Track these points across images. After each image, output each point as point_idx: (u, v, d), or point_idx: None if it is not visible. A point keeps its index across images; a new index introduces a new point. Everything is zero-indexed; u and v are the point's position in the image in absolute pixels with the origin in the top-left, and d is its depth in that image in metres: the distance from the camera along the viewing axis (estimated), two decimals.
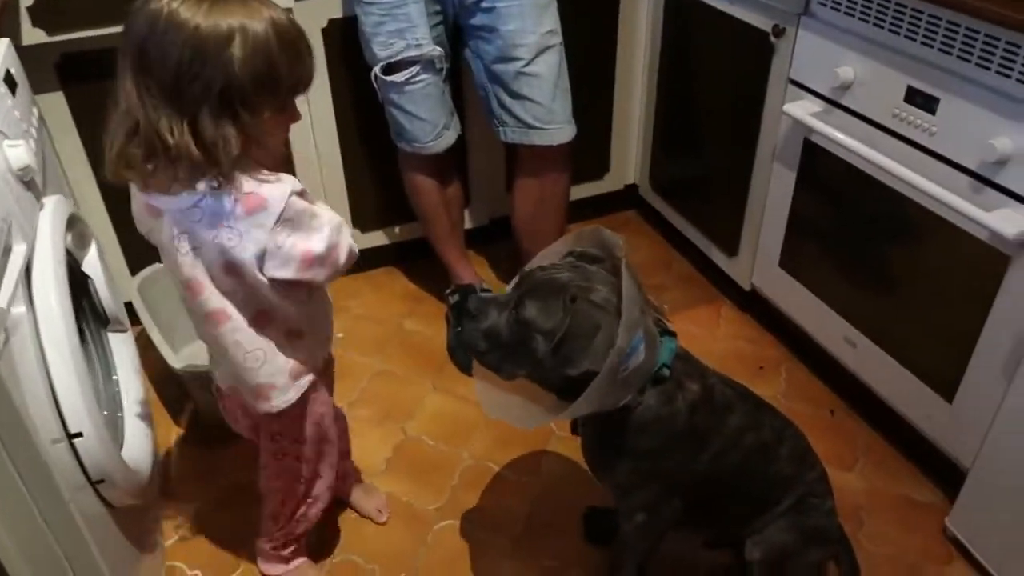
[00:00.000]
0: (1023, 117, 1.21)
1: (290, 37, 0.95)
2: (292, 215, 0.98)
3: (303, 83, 0.99)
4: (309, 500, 1.33)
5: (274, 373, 1.12)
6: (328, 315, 1.22)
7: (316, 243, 1.01)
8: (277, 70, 0.93)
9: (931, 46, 1.33)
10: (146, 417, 1.34)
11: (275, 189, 0.97)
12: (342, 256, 1.06)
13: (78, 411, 1.01)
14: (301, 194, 1.00)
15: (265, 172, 0.99)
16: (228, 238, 0.98)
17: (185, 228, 1.00)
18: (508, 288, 1.14)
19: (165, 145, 0.91)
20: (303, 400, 1.18)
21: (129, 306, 1.58)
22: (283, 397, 1.15)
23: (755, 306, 2.02)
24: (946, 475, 1.54)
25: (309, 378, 1.17)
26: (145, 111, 0.91)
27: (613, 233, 1.12)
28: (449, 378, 1.86)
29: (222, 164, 0.93)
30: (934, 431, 1.50)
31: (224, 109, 0.92)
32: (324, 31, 1.82)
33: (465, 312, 1.13)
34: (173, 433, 1.74)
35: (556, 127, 1.73)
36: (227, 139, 0.92)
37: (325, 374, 1.25)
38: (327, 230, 1.02)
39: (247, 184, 0.96)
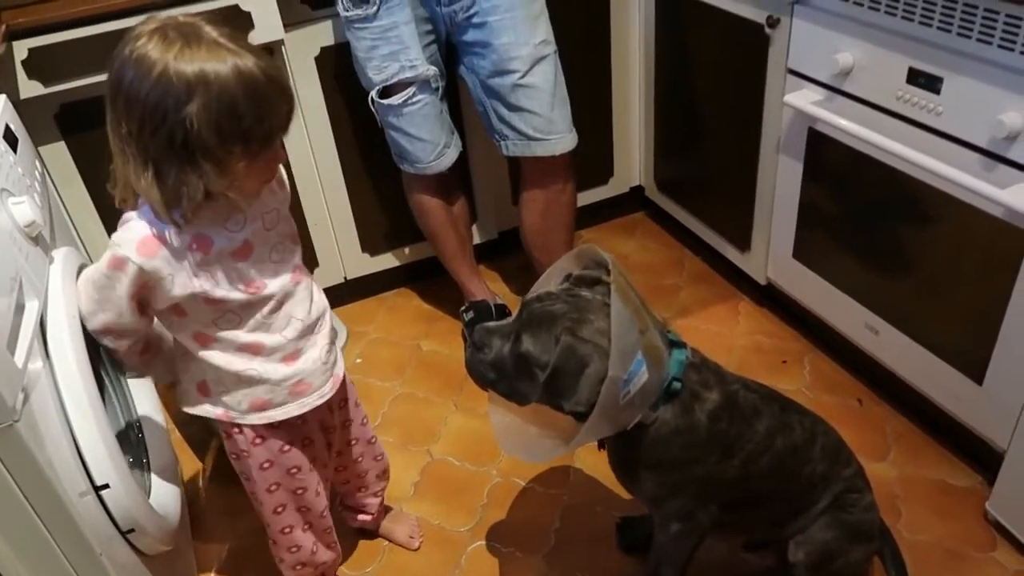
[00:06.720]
0: None
1: (257, 86, 0.91)
2: None
3: (275, 132, 0.97)
4: (281, 547, 1.30)
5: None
6: (233, 376, 1.11)
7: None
8: (242, 123, 0.91)
9: (929, 25, 1.31)
10: (171, 460, 1.34)
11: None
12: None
13: (102, 463, 1.00)
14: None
15: None
16: None
17: None
18: (513, 315, 1.15)
19: (134, 187, 0.95)
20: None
21: None
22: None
23: (773, 300, 2.00)
24: (982, 458, 1.51)
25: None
26: (117, 152, 0.94)
27: (603, 253, 1.12)
28: (470, 396, 1.85)
29: (183, 208, 0.94)
30: (966, 414, 1.48)
31: (187, 160, 0.91)
32: (317, 59, 1.82)
33: (470, 343, 1.15)
34: (199, 472, 1.74)
35: (557, 137, 1.72)
36: (189, 187, 0.93)
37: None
38: None
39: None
